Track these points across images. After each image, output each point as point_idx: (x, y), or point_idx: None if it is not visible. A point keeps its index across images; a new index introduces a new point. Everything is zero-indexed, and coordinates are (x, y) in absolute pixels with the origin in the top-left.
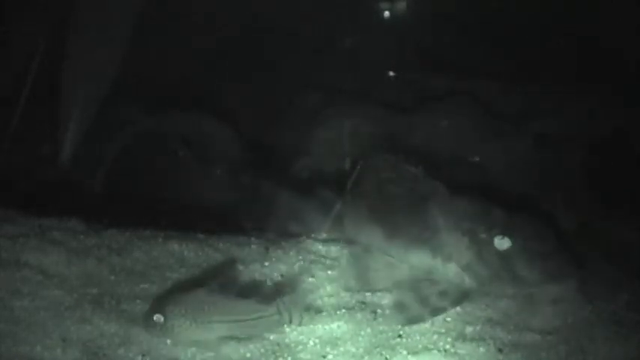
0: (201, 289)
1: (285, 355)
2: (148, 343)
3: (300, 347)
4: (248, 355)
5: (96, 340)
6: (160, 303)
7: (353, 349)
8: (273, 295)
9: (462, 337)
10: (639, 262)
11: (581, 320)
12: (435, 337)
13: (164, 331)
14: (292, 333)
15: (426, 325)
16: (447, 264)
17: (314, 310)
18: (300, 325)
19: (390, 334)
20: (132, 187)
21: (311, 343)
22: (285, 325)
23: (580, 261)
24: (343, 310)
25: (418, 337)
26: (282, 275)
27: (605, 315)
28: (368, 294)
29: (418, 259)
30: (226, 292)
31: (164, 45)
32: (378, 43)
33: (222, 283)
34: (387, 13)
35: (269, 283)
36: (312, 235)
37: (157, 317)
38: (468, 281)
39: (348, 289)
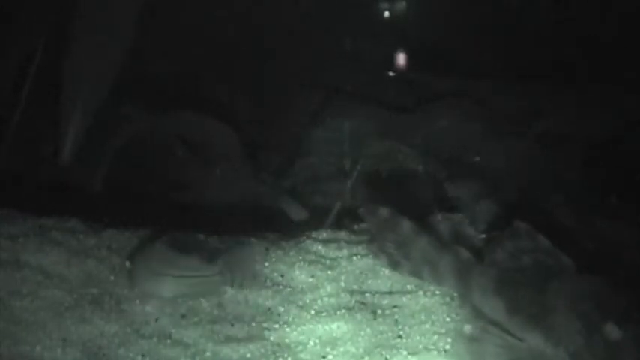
0: (160, 242)
1: (285, 355)
2: (148, 343)
3: (300, 347)
4: (248, 355)
5: (96, 340)
6: (135, 252)
7: (353, 349)
8: (218, 255)
9: (461, 337)
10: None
11: None
12: (435, 337)
13: (133, 280)
14: (292, 333)
15: (426, 326)
16: (556, 348)
17: (314, 310)
18: (241, 288)
19: (390, 334)
20: (132, 187)
21: (311, 343)
22: (227, 287)
23: None
24: (343, 310)
25: (418, 337)
26: (282, 275)
27: None
28: (368, 294)
29: (533, 339)
30: (178, 247)
31: (164, 45)
32: (379, 43)
33: (175, 238)
34: (387, 13)
35: (218, 245)
36: (312, 235)
37: (127, 264)
38: None
39: (348, 290)
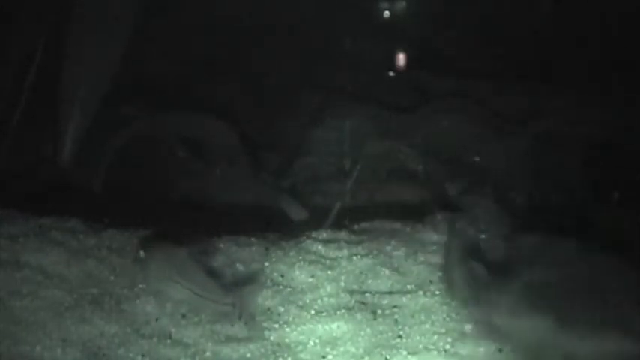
0: (183, 250)
1: (285, 355)
2: (148, 343)
3: (300, 347)
4: (248, 355)
5: (96, 340)
6: (151, 244)
7: (353, 349)
8: (237, 286)
9: (462, 337)
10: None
11: None
12: (435, 337)
13: (143, 268)
14: (292, 333)
15: (426, 326)
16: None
17: (314, 310)
18: (246, 324)
19: (390, 334)
20: (132, 187)
21: (311, 343)
22: (234, 320)
23: None
24: (343, 310)
25: (418, 337)
26: (282, 275)
27: None
28: (368, 294)
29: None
30: (201, 263)
31: (164, 45)
32: (379, 43)
33: (202, 253)
34: (387, 13)
35: (240, 273)
36: (312, 235)
37: (142, 253)
38: None
39: (348, 290)
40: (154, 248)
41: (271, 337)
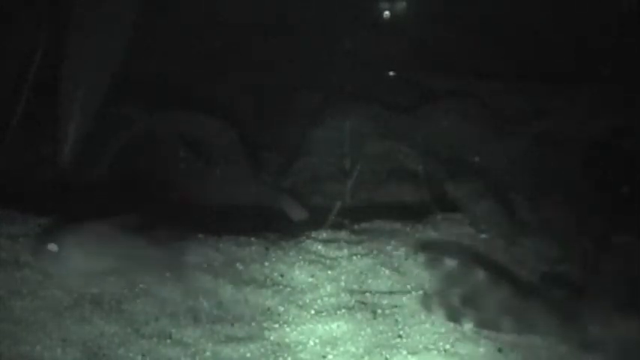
0: (100, 222)
1: (285, 355)
2: (148, 343)
3: (300, 347)
4: (248, 355)
5: (96, 340)
6: (52, 233)
7: (353, 349)
8: (166, 239)
9: (462, 337)
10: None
11: None
12: (435, 337)
13: (57, 260)
14: (292, 333)
15: (426, 325)
16: None
17: (314, 310)
18: (177, 278)
19: (390, 334)
20: (132, 187)
21: (311, 343)
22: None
23: None
24: (343, 310)
25: (418, 337)
26: (282, 275)
27: None
28: (368, 294)
29: None
30: (124, 227)
31: (164, 45)
32: (379, 43)
33: (124, 220)
34: (387, 13)
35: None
36: (312, 235)
37: (51, 246)
38: None
39: (348, 290)
40: (64, 236)
41: (271, 337)
